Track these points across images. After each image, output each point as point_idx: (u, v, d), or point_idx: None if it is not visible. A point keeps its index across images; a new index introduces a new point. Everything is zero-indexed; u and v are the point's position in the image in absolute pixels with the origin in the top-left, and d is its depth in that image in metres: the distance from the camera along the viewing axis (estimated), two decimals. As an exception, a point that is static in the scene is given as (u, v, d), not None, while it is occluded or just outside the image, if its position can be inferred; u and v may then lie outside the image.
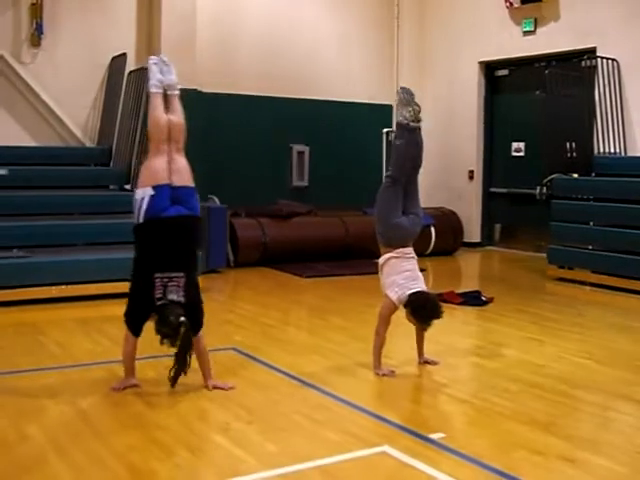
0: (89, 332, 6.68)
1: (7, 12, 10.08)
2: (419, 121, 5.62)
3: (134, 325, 4.99)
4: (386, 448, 4.04)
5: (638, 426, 4.60)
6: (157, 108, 5.02)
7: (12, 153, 9.42)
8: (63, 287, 7.85)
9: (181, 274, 4.86)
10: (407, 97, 5.65)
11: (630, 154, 10.26)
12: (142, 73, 10.03)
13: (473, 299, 8.19)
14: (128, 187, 9.83)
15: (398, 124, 5.68)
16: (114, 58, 10.51)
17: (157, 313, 4.80)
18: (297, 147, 12.31)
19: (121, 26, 10.80)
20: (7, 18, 10.09)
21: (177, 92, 5.13)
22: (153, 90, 5.09)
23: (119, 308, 7.66)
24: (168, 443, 4.10)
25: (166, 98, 5.11)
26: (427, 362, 5.73)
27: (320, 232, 11.00)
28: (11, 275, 7.68)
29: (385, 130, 12.99)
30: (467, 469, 3.81)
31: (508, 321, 7.39)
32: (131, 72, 10.33)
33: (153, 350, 6.00)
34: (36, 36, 10.19)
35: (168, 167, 4.92)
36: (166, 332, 4.73)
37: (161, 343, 4.79)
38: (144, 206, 4.86)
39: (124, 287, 7.94)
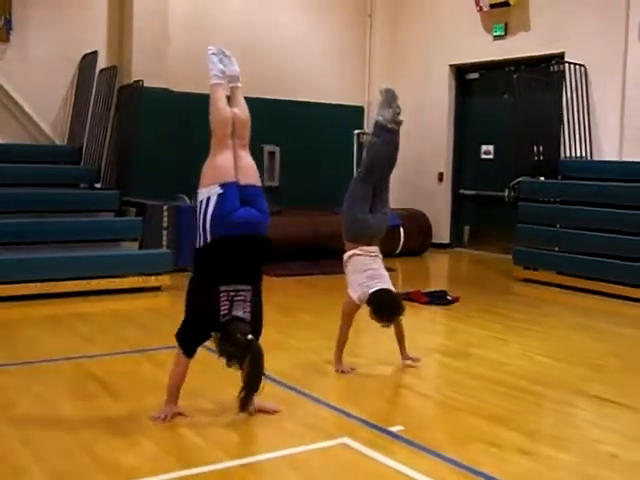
0: (59, 329, 6.71)
1: (-25, 8, 10.02)
2: (398, 123, 5.67)
3: (190, 345, 4.43)
4: (346, 440, 4.13)
5: (593, 420, 4.72)
6: (220, 100, 4.60)
7: (-19, 150, 9.37)
8: (32, 285, 7.84)
9: (248, 287, 4.38)
10: (389, 98, 5.68)
11: (596, 158, 10.42)
12: (113, 71, 10.07)
13: (438, 298, 8.30)
14: (98, 186, 9.85)
15: (376, 123, 5.66)
16: (85, 55, 10.45)
17: (221, 331, 4.32)
18: (268, 147, 12.31)
19: (92, 23, 10.76)
20: (-25, 14, 10.03)
21: (240, 84, 4.75)
22: (215, 81, 4.63)
23: (89, 305, 7.80)
24: (133, 434, 4.16)
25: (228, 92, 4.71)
26: (409, 359, 5.69)
27: (290, 232, 11.02)
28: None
29: (356, 131, 13.12)
30: (424, 459, 3.91)
31: (474, 321, 7.50)
32: (102, 70, 10.32)
33: (121, 345, 6.10)
34: (5, 32, 10.08)
35: (234, 164, 4.53)
36: (233, 352, 4.25)
37: (228, 365, 4.30)
38: (211, 206, 4.35)
39: (93, 285, 8.14)
